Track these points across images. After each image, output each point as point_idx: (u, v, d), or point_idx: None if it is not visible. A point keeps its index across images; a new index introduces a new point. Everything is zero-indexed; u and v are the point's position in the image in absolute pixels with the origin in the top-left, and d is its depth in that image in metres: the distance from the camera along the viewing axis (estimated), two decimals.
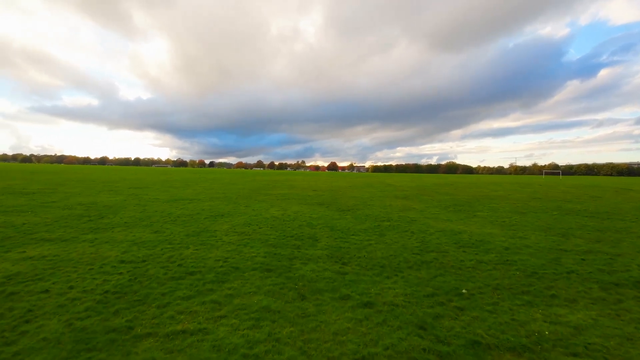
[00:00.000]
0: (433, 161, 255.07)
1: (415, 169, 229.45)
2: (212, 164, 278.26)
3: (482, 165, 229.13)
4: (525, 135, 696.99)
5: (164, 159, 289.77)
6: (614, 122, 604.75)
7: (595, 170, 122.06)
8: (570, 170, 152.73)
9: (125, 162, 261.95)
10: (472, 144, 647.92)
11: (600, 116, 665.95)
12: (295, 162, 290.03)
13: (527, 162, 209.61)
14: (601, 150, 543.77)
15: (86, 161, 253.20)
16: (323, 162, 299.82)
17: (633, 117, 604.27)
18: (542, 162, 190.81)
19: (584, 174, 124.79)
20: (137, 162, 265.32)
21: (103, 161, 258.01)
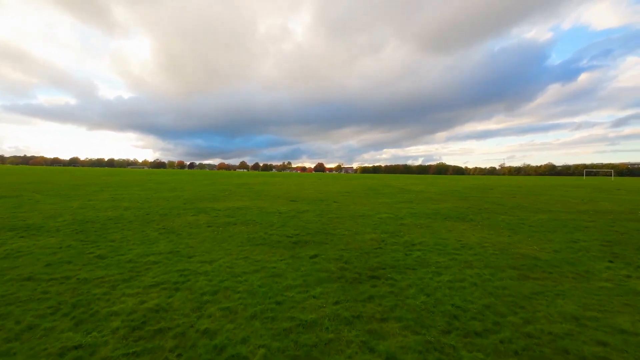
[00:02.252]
0: (418, 162, 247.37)
1: (405, 169, 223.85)
2: (192, 166, 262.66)
3: (467, 166, 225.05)
4: (506, 138, 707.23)
5: (148, 160, 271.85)
6: (591, 125, 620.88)
7: (594, 170, 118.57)
8: (568, 171, 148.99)
9: (97, 163, 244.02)
10: (456, 145, 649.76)
11: (578, 119, 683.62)
12: (281, 163, 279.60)
13: (511, 164, 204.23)
14: (578, 152, 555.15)
15: (54, 162, 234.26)
16: (310, 164, 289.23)
17: (609, 120, 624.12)
18: (522, 162, 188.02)
19: (582, 175, 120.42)
20: (112, 163, 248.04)
21: (73, 162, 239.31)
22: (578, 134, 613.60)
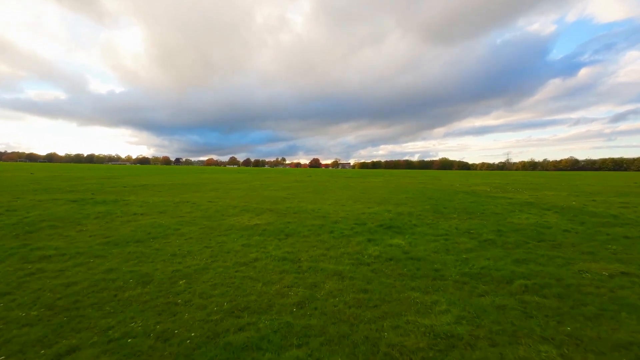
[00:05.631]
0: (415, 158, 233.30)
1: (407, 165, 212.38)
2: (177, 161, 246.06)
3: (465, 162, 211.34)
4: (504, 134, 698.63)
5: (131, 156, 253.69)
6: (589, 120, 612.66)
7: (625, 165, 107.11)
8: (594, 166, 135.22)
9: (76, 159, 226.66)
10: (453, 141, 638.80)
11: (576, 115, 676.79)
12: (275, 159, 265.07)
13: (509, 160, 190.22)
14: (574, 149, 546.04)
15: (29, 158, 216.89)
16: (306, 160, 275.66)
17: (607, 115, 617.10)
18: (530, 157, 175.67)
19: (611, 170, 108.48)
20: (91, 159, 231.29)
21: (50, 158, 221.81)
22: (575, 130, 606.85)
